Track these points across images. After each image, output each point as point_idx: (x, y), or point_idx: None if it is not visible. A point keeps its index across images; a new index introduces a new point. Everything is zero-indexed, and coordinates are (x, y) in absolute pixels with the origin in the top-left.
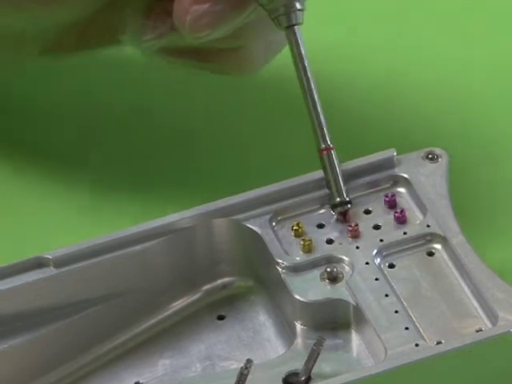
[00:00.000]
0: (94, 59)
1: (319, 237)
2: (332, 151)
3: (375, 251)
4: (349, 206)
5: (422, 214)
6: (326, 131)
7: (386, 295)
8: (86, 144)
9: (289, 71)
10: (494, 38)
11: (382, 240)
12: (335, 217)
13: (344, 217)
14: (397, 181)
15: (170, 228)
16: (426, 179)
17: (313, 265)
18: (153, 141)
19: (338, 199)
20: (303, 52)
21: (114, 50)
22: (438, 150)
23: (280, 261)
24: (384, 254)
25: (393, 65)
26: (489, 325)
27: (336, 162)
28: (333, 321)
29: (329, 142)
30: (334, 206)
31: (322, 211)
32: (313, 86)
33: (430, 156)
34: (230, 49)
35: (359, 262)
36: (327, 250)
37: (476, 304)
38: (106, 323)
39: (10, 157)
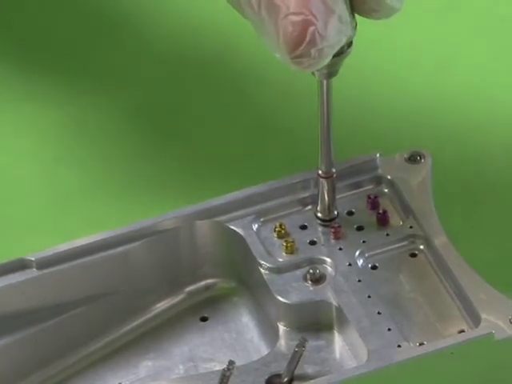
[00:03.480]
0: None
1: (302, 238)
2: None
3: (358, 252)
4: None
5: (405, 215)
6: (332, 159)
7: (369, 296)
8: (71, 146)
9: (270, 77)
10: (476, 39)
11: (364, 241)
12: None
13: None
14: (380, 182)
15: (153, 229)
16: (409, 180)
17: (295, 266)
18: (136, 143)
19: (329, 217)
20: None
21: None
22: (421, 151)
23: (263, 262)
24: (367, 255)
25: (375, 66)
26: (471, 326)
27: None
28: (315, 322)
29: (334, 170)
30: (323, 220)
31: (304, 213)
32: (331, 124)
33: (414, 157)
34: None
35: (342, 263)
36: (310, 251)
37: (459, 305)
38: (88, 325)
39: None
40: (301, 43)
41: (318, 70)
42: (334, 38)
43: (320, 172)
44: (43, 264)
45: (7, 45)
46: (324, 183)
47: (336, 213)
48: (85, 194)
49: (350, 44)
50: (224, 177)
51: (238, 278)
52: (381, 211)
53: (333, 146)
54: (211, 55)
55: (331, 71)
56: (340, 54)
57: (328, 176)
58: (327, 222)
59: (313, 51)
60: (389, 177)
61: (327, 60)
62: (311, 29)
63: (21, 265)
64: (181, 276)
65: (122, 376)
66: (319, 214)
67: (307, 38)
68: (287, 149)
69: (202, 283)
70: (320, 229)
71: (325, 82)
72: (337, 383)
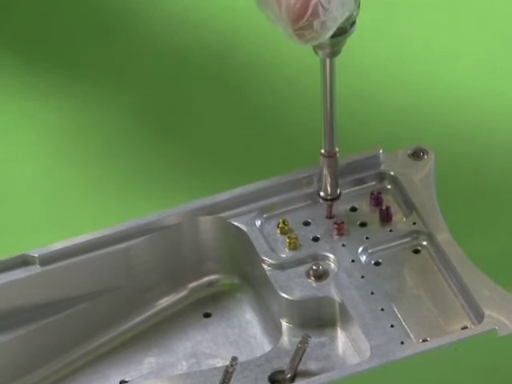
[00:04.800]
0: None
1: (305, 234)
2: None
3: (361, 249)
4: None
5: (408, 211)
6: (336, 137)
7: (372, 293)
8: (73, 141)
9: (272, 73)
10: (479, 33)
11: (367, 237)
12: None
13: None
14: (383, 178)
15: (156, 225)
16: (412, 177)
17: (298, 262)
18: (139, 139)
19: (331, 196)
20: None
21: None
22: (424, 148)
23: (266, 258)
24: (370, 251)
25: (378, 62)
26: (475, 322)
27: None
28: (318, 318)
29: (337, 149)
30: (326, 200)
31: (308, 209)
32: (334, 103)
33: (417, 153)
34: None
35: (345, 259)
36: (313, 247)
37: (462, 302)
38: (91, 321)
39: None
40: (303, 15)
41: (320, 49)
42: (337, 11)
43: (323, 151)
44: (46, 260)
45: (8, 38)
46: (327, 162)
47: (339, 192)
48: (87, 190)
49: (352, 23)
50: (227, 173)
51: (241, 274)
52: (384, 207)
53: (336, 125)
54: (212, 50)
55: (334, 50)
56: (343, 33)
57: (331, 155)
58: (330, 201)
59: (315, 23)
60: (392, 173)
61: (330, 33)
62: (314, 1)
63: (23, 261)
64: (184, 272)
65: (124, 372)
66: (322, 193)
67: (310, 10)
68: (290, 145)
69: (205, 279)
70: (323, 225)
71: (328, 60)
72: (340, 379)
